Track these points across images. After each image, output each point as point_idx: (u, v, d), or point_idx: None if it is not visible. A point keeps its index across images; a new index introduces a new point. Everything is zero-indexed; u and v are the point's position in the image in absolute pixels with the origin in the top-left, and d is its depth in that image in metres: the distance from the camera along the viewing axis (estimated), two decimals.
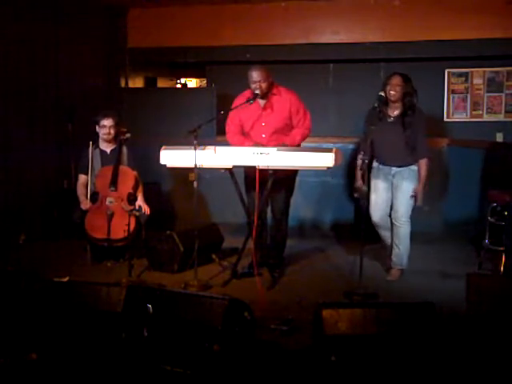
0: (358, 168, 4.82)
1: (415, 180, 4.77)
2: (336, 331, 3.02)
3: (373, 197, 4.86)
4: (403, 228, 4.83)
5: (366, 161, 4.52)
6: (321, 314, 3.06)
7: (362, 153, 4.72)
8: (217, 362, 3.02)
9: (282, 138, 4.85)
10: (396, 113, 4.75)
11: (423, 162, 4.73)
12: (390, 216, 4.88)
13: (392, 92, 4.66)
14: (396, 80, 4.66)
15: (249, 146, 4.76)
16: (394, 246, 4.92)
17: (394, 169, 4.79)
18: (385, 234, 4.97)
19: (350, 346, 3.01)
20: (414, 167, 4.78)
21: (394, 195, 4.84)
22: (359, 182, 4.84)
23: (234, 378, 3.04)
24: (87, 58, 6.83)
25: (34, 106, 6.03)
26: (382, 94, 4.66)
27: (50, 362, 3.22)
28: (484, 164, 6.37)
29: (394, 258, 4.96)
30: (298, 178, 5.07)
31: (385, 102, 4.73)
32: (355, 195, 4.98)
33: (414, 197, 4.75)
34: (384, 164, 4.85)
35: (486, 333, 3.21)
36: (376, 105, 4.71)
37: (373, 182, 4.88)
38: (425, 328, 3.06)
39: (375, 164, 4.90)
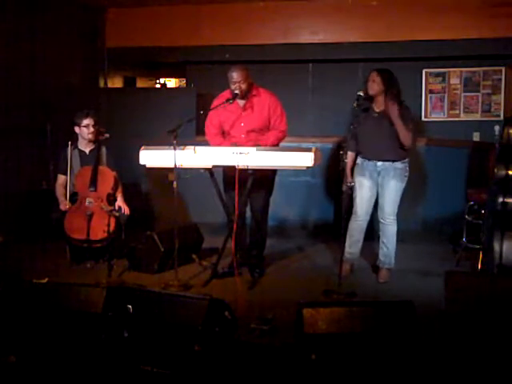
0: (348, 166, 4.89)
1: (401, 178, 4.81)
2: (316, 330, 3.04)
3: (358, 194, 4.92)
4: (391, 226, 4.88)
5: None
6: (301, 313, 3.08)
7: (349, 151, 4.86)
8: (197, 362, 3.02)
9: (260, 137, 4.88)
10: (381, 108, 4.80)
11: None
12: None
13: (370, 86, 4.76)
14: (372, 76, 4.76)
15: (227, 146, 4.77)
16: (382, 246, 4.95)
17: (380, 165, 4.79)
18: (357, 227, 4.92)
19: (330, 344, 3.03)
20: (399, 165, 4.80)
21: (380, 194, 4.86)
22: (349, 179, 4.91)
23: (214, 378, 3.04)
24: (65, 57, 6.77)
25: (10, 106, 5.95)
26: (361, 93, 4.70)
27: (29, 365, 3.20)
28: (461, 163, 6.44)
29: (382, 258, 4.97)
30: (277, 178, 5.09)
31: (369, 98, 4.81)
32: (344, 189, 4.99)
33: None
34: (369, 159, 4.87)
35: (465, 330, 3.25)
36: (355, 104, 4.69)
37: (358, 180, 4.92)
38: (404, 326, 3.09)
39: (359, 160, 4.95)
